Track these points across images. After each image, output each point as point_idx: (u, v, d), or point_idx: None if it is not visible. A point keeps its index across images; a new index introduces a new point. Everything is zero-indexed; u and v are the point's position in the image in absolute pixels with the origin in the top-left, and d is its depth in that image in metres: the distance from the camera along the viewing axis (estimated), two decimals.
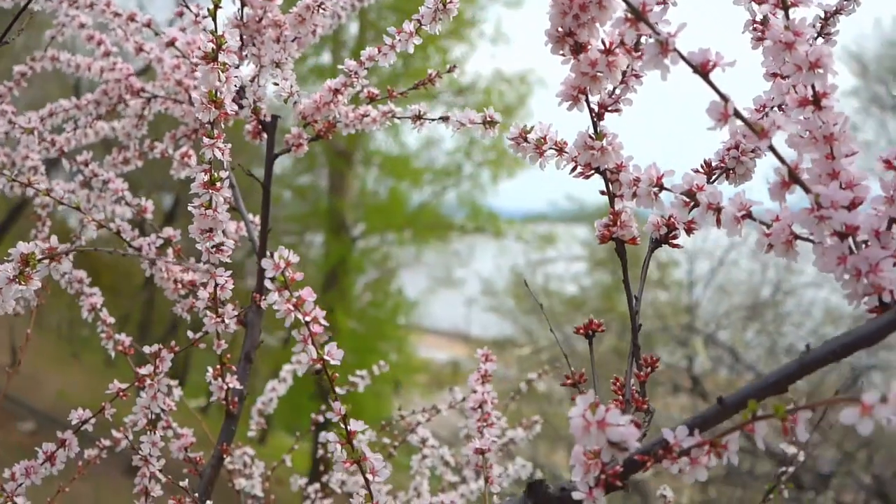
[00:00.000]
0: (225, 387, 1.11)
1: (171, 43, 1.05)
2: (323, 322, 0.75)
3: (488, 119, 0.99)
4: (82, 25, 1.34)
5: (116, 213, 1.44)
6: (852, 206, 0.63)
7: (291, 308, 0.74)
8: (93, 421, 1.08)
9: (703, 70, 0.61)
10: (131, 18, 1.22)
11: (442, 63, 11.62)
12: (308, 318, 0.74)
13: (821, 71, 0.63)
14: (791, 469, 1.29)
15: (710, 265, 7.55)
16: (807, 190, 0.61)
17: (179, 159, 1.34)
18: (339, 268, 11.50)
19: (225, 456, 1.16)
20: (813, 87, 0.64)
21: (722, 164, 0.82)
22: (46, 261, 0.80)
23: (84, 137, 1.53)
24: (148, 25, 1.23)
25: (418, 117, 1.11)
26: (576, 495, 0.65)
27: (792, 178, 0.62)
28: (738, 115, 0.60)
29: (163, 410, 1.12)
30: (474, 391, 1.12)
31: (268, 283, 0.72)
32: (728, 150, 0.82)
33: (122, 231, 1.17)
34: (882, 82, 10.14)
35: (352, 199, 12.06)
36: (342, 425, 0.77)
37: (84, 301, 1.23)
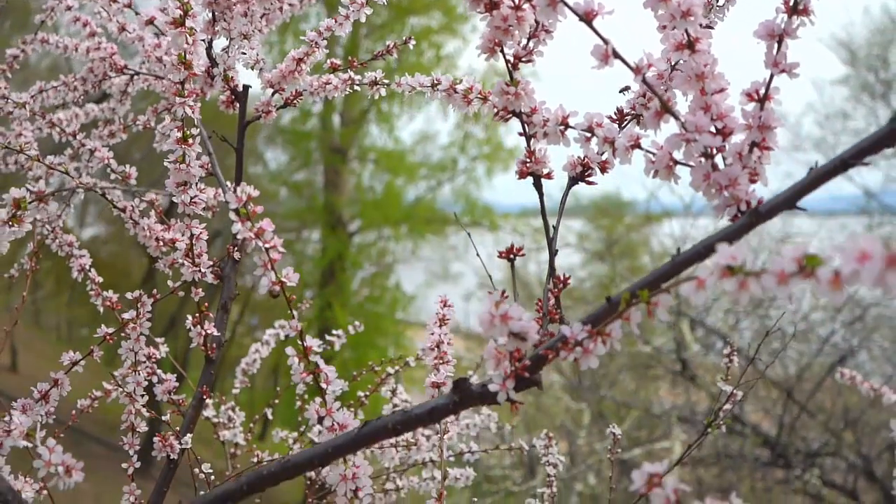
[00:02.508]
0: (203, 333, 1.22)
1: (150, 21, 1.15)
2: (281, 249, 0.85)
3: (435, 82, 1.09)
4: (69, 8, 1.45)
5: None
6: (723, 134, 0.74)
7: (253, 236, 0.84)
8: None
9: (587, 18, 0.71)
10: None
11: (436, 58, 11.74)
12: (268, 246, 0.85)
13: (692, 19, 0.74)
14: (728, 407, 1.40)
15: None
16: (676, 118, 0.72)
17: (161, 132, 1.45)
18: (336, 263, 11.62)
19: (205, 398, 1.27)
20: (687, 32, 0.75)
21: (632, 111, 0.93)
22: (36, 203, 0.90)
23: (76, 118, 1.64)
24: (129, 6, 1.33)
25: (375, 83, 1.21)
26: (491, 387, 0.76)
27: (664, 108, 0.73)
28: (616, 55, 0.71)
29: (147, 357, 1.24)
30: (432, 333, 1.23)
31: (232, 215, 0.83)
32: (638, 97, 0.93)
33: (108, 193, 1.28)
34: (871, 70, 10.24)
35: (348, 194, 12.17)
36: (299, 341, 0.88)
37: (74, 262, 1.34)
